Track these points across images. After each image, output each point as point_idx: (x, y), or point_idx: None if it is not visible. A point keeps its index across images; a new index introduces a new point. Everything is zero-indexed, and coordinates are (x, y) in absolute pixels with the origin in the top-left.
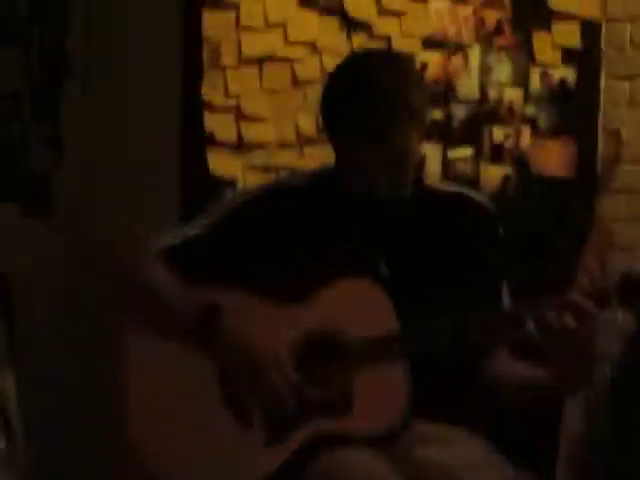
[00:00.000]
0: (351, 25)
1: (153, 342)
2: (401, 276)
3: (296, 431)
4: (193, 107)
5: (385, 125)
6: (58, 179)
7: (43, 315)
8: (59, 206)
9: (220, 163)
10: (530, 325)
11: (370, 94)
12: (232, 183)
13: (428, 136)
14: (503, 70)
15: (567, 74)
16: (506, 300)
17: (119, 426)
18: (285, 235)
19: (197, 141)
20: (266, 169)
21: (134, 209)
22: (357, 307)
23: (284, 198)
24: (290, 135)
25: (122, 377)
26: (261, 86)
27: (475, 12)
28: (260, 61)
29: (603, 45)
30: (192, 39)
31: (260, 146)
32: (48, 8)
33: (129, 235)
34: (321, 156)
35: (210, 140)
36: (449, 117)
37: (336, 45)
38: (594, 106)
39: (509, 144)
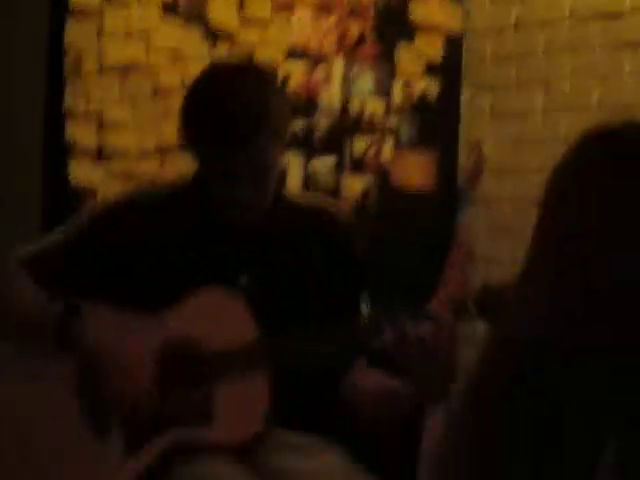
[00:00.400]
0: (214, 34)
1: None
2: (262, 287)
3: (155, 441)
4: (55, 115)
5: (244, 137)
6: None
7: None
8: None
9: (81, 172)
10: (388, 334)
11: (228, 107)
12: (93, 192)
13: (290, 147)
14: (365, 81)
15: (429, 86)
16: (365, 311)
17: None
18: (144, 247)
19: (58, 149)
20: (127, 178)
21: None
22: (217, 317)
23: (142, 210)
24: (152, 143)
25: None
26: (123, 94)
27: (338, 23)
28: (123, 69)
29: (464, 57)
30: (55, 46)
31: (121, 154)
32: None
33: None
34: (183, 165)
35: (71, 149)
36: (311, 128)
37: (199, 54)
38: (455, 118)
39: (371, 155)
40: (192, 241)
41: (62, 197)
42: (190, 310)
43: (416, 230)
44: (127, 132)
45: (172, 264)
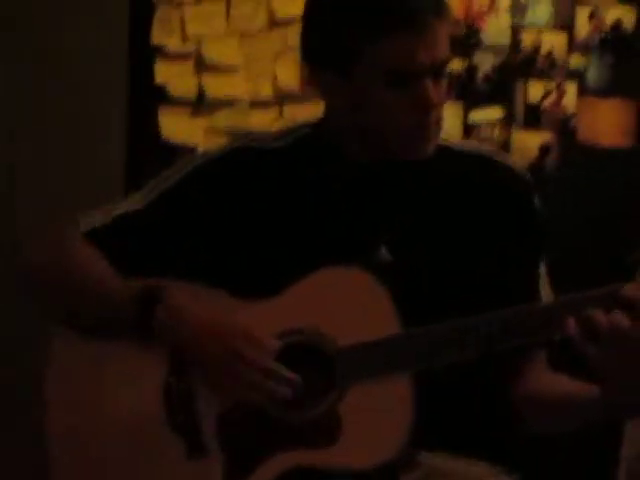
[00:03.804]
0: None
1: (83, 350)
2: (407, 263)
3: (263, 463)
4: (142, 54)
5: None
6: None
7: None
8: None
9: (176, 125)
10: (572, 325)
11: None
12: (191, 151)
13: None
14: (541, 10)
15: (624, 15)
16: (546, 296)
17: None
18: (255, 210)
19: (147, 97)
20: (234, 134)
21: (71, 178)
22: (348, 304)
23: (254, 162)
24: (266, 90)
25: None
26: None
27: None
28: None
29: None
30: None
31: (227, 104)
32: None
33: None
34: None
35: (163, 96)
36: (472, 69)
37: None
38: None
39: (549, 104)
40: (313, 201)
41: (152, 156)
42: (312, 296)
43: (608, 196)
44: (234, 75)
45: (288, 233)
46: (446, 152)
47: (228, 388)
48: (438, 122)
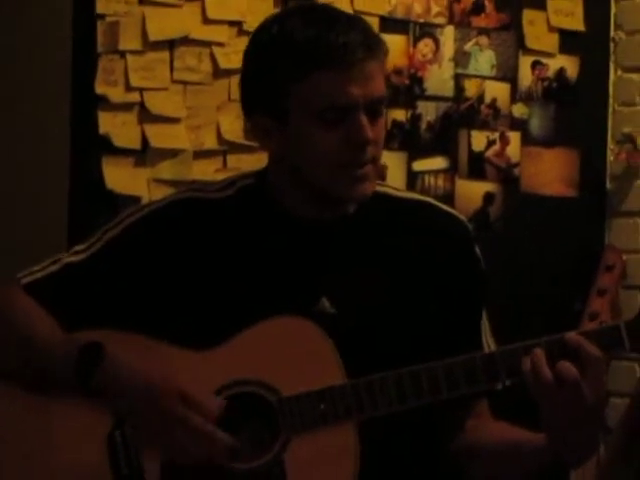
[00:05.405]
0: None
1: (27, 401)
2: (349, 314)
3: None
4: (85, 104)
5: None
6: None
7: None
8: None
9: (119, 176)
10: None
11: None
12: (134, 201)
13: (388, 143)
14: (484, 59)
15: (567, 64)
16: (488, 344)
17: None
18: (198, 260)
19: (90, 147)
20: (178, 184)
21: (13, 230)
22: (292, 354)
23: (197, 214)
24: (209, 140)
25: None
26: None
27: None
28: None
29: (612, 28)
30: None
31: (171, 154)
32: None
33: None
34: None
35: (107, 146)
36: (416, 118)
37: None
38: (601, 105)
39: (493, 154)
40: (255, 253)
41: (95, 207)
42: (253, 346)
43: (552, 246)
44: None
45: (230, 284)
46: (386, 200)
47: (166, 449)
48: (375, 161)
